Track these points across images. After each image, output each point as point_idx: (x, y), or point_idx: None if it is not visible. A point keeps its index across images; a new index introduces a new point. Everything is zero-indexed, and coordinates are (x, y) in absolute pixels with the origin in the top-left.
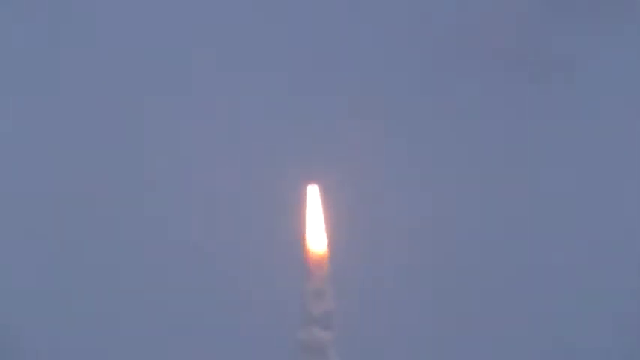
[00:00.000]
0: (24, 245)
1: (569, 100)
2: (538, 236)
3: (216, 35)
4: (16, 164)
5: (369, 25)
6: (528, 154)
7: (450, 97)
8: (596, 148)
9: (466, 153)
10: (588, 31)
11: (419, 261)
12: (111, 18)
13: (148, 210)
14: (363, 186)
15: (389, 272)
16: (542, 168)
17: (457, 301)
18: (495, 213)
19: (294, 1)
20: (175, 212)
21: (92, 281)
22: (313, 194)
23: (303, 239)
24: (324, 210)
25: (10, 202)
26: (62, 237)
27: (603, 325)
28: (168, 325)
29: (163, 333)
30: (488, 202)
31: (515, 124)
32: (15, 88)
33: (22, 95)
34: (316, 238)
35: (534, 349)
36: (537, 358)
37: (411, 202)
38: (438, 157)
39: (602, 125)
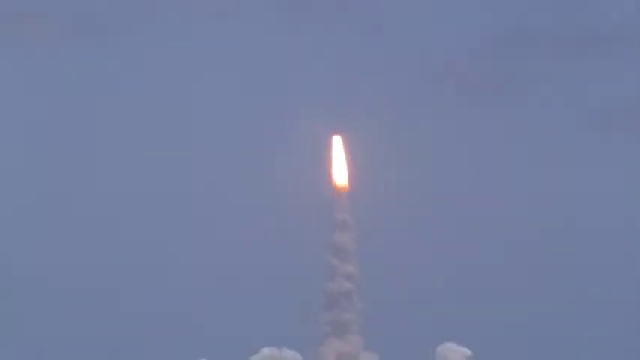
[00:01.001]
0: None
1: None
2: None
3: None
4: None
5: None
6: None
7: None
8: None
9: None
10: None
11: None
12: None
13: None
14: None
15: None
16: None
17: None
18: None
19: None
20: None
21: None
22: (337, 143)
23: (330, 175)
24: (346, 156)
25: None
26: None
27: None
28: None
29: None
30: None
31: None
32: None
33: None
34: (339, 176)
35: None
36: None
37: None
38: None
39: (550, 140)
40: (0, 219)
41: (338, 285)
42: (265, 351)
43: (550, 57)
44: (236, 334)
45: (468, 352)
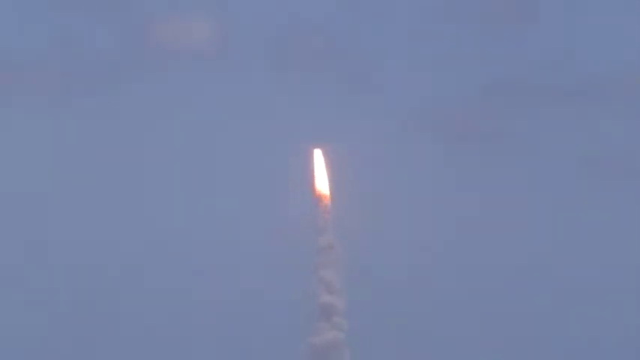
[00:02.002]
0: None
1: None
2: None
3: None
4: None
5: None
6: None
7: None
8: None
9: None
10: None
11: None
12: None
13: None
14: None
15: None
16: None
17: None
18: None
19: None
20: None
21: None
22: (318, 156)
23: (313, 183)
24: (327, 167)
25: None
26: None
27: None
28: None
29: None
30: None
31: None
32: None
33: None
34: (321, 184)
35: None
36: None
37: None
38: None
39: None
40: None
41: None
42: None
43: (540, 105)
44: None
45: None
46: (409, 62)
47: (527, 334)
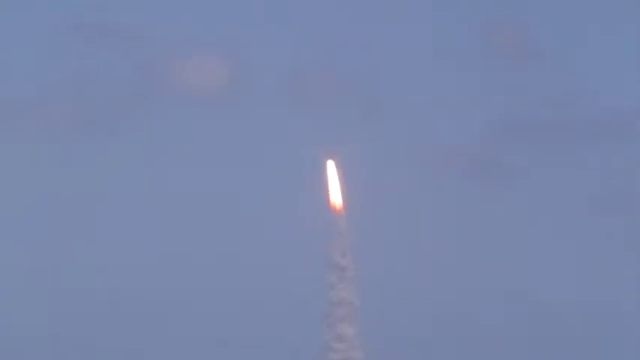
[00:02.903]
0: None
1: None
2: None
3: None
4: None
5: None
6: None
7: None
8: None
9: None
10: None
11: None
12: None
13: None
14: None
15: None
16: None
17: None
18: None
19: None
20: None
21: None
22: (331, 167)
23: (327, 195)
24: (339, 178)
25: None
26: None
27: None
28: None
29: None
30: None
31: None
32: None
33: None
34: (336, 196)
35: None
36: None
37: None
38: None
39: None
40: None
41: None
42: None
43: (544, 144)
44: None
45: None
46: (419, 98)
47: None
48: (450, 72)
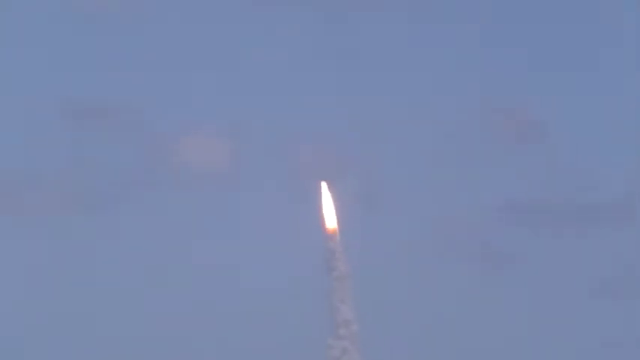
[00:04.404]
0: None
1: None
2: None
3: None
4: None
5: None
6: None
7: None
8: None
9: None
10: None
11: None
12: None
13: None
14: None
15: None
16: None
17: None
18: None
19: None
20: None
21: None
22: (325, 189)
23: (322, 218)
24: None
25: None
26: None
27: None
28: None
29: None
30: None
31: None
32: None
33: None
34: (330, 218)
35: None
36: None
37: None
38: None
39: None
40: None
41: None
42: None
43: (545, 227)
44: None
45: None
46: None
47: None
48: (450, 155)
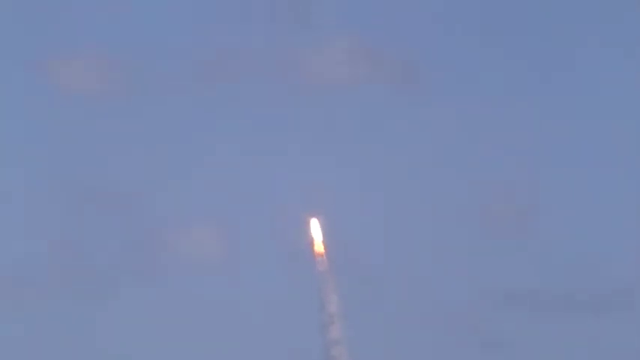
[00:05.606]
0: None
1: None
2: None
3: None
4: None
5: None
6: None
7: None
8: None
9: None
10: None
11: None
12: None
13: None
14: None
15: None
16: None
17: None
18: None
19: None
20: None
21: None
22: (315, 224)
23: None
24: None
25: None
26: None
27: None
28: None
29: None
30: None
31: None
32: None
33: None
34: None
35: None
36: None
37: None
38: None
39: None
40: None
41: None
42: None
43: (540, 315)
44: None
45: None
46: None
47: None
48: (447, 239)
